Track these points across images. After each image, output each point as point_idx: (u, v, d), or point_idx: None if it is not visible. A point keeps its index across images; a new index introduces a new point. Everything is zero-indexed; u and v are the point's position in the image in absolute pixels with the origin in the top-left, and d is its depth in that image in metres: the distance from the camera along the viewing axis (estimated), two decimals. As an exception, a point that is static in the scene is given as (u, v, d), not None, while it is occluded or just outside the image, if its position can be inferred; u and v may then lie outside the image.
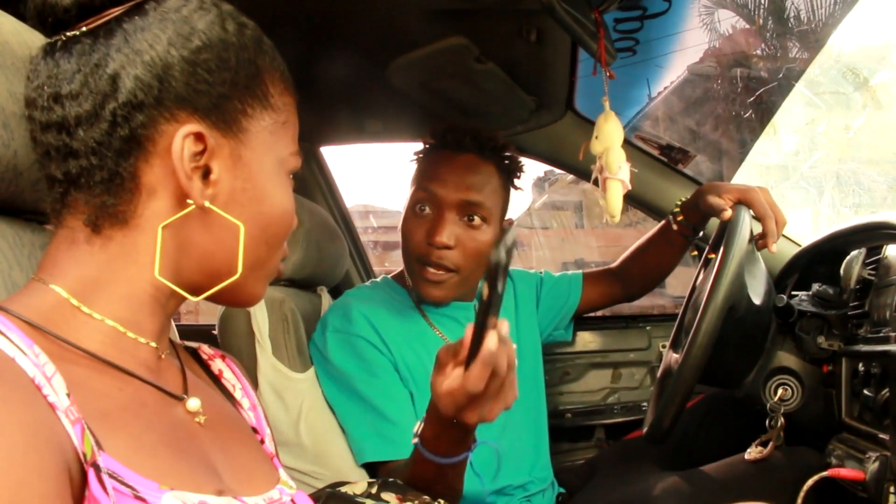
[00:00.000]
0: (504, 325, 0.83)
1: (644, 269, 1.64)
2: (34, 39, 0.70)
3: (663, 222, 1.55)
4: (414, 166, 1.43)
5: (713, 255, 1.36)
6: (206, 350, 0.78)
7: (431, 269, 1.33)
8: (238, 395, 0.76)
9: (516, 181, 1.44)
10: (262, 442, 0.75)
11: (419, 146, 1.45)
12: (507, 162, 1.40)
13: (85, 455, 0.47)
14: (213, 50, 0.59)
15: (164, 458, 0.54)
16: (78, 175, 0.57)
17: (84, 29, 0.58)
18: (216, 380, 0.76)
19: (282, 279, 1.42)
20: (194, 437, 0.61)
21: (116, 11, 0.58)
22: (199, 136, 0.57)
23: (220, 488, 0.57)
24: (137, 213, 0.58)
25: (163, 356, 0.64)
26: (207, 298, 0.63)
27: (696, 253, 1.66)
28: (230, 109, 0.59)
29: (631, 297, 1.71)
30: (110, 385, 0.56)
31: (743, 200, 1.30)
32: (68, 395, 0.48)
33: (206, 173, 0.59)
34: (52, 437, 0.45)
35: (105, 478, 0.47)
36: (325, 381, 1.35)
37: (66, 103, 0.57)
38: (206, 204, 0.58)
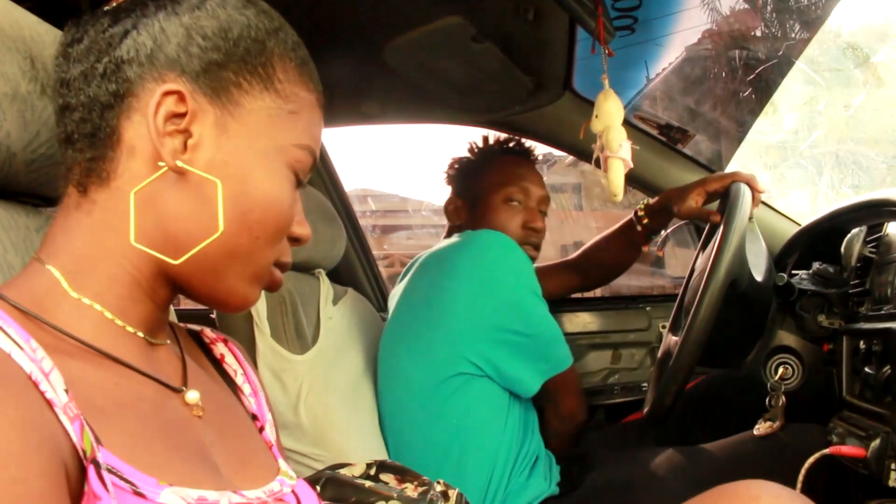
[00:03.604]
0: None
1: (602, 264, 1.77)
2: (26, 19, 0.69)
3: (625, 220, 1.67)
4: (481, 165, 1.67)
5: (661, 253, 1.39)
6: (208, 334, 0.77)
7: (532, 252, 1.59)
8: (239, 380, 0.75)
9: None
10: (262, 430, 0.74)
11: (417, 128, 1.62)
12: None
13: (84, 452, 0.46)
14: (215, 20, 0.59)
15: (162, 454, 0.54)
16: (71, 131, 0.58)
17: (113, 4, 0.60)
18: (218, 364, 0.75)
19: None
20: (192, 431, 0.60)
21: None
22: (181, 97, 0.57)
23: (217, 483, 0.56)
24: (117, 173, 0.58)
25: (160, 344, 0.64)
26: (190, 296, 0.64)
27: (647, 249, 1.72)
28: (221, 78, 0.59)
29: (586, 288, 1.90)
30: (106, 378, 0.55)
31: (709, 186, 1.43)
32: (66, 390, 0.48)
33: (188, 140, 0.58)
34: (48, 436, 0.44)
35: (105, 474, 0.47)
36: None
37: (73, 62, 0.58)
38: (179, 164, 0.57)
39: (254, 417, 0.74)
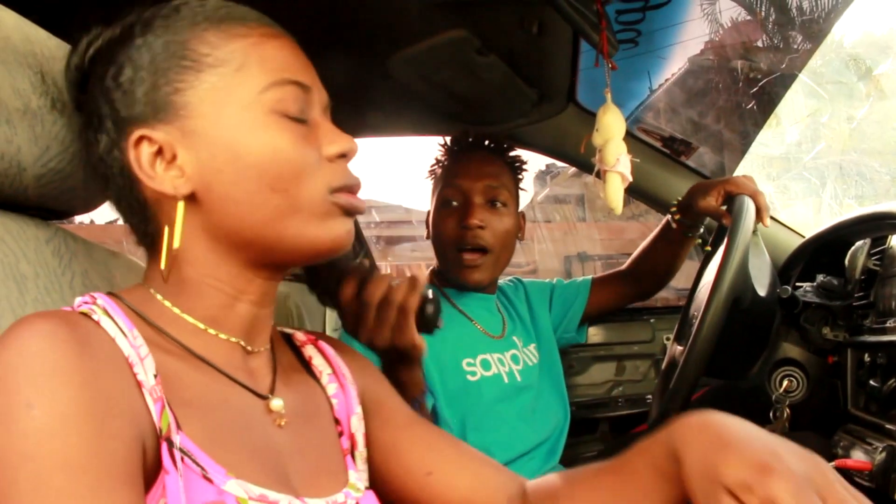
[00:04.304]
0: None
1: (652, 268, 1.71)
2: (37, 35, 0.70)
3: (664, 221, 1.62)
4: (431, 179, 1.61)
5: (708, 248, 1.37)
6: (299, 336, 0.79)
7: (468, 255, 1.48)
8: (325, 380, 0.76)
9: (521, 182, 1.60)
10: (342, 434, 0.74)
11: (422, 140, 1.62)
12: (511, 159, 1.58)
13: (161, 430, 0.52)
14: (128, 62, 0.62)
15: (236, 452, 0.58)
16: (120, 209, 0.66)
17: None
18: (307, 365, 0.77)
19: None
20: (271, 438, 0.63)
21: (73, 77, 0.66)
22: (147, 139, 0.61)
23: (284, 488, 0.59)
24: (161, 224, 0.63)
25: (258, 351, 0.68)
26: (291, 265, 0.68)
27: (699, 242, 1.67)
28: (159, 97, 0.61)
29: (643, 295, 1.78)
30: (197, 380, 0.60)
31: (729, 187, 1.38)
32: (156, 375, 0.55)
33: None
34: (133, 409, 0.51)
35: (176, 453, 0.52)
36: None
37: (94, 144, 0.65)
38: (183, 193, 0.60)
39: (337, 422, 0.75)
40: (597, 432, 1.94)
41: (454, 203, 1.51)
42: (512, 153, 1.58)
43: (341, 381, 0.77)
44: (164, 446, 0.52)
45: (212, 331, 0.63)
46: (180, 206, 0.61)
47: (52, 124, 0.68)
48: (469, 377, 1.43)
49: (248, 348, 0.66)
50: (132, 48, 0.62)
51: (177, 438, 0.53)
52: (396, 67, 1.53)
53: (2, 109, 0.64)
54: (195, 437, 0.55)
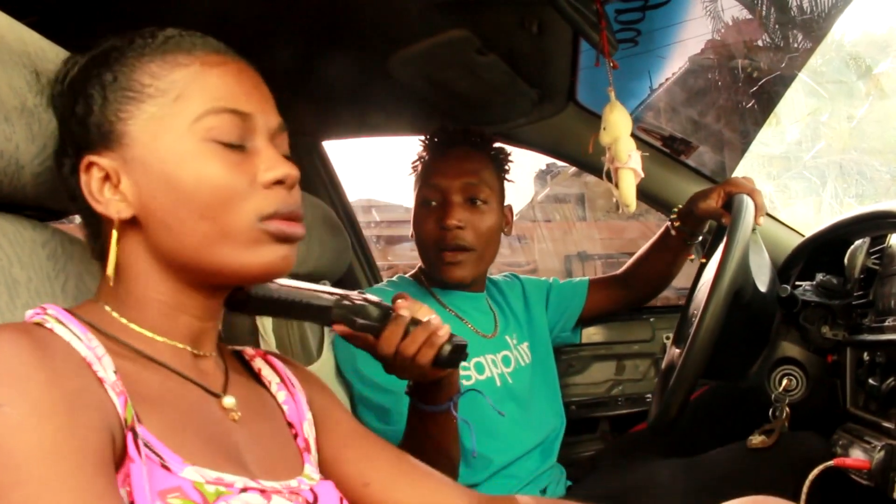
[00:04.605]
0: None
1: (648, 274, 1.72)
2: (30, 36, 0.70)
3: (663, 228, 1.62)
4: (414, 174, 1.56)
5: (703, 260, 1.38)
6: (248, 351, 0.82)
7: (449, 253, 1.44)
8: (274, 389, 0.79)
9: (507, 173, 1.57)
10: (296, 436, 0.77)
11: (422, 139, 1.55)
12: (494, 153, 1.53)
13: (126, 420, 0.55)
14: (75, 93, 0.66)
15: (193, 443, 0.60)
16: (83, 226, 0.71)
17: None
18: (256, 377, 0.80)
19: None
20: (226, 431, 0.66)
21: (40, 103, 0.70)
22: (95, 165, 0.64)
23: (241, 472, 0.61)
24: (110, 240, 0.66)
25: (206, 356, 0.71)
26: (226, 285, 0.71)
27: (692, 257, 1.68)
28: (102, 127, 0.64)
29: (638, 301, 1.80)
30: (152, 378, 0.63)
31: (729, 188, 1.39)
32: (115, 372, 0.57)
33: None
34: (98, 403, 0.54)
35: (140, 443, 0.55)
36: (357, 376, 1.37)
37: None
38: (124, 216, 0.64)
39: (290, 425, 0.77)
40: (596, 431, 1.94)
41: (433, 202, 1.47)
42: (494, 145, 1.54)
43: (290, 389, 0.80)
44: (130, 436, 0.55)
45: (160, 338, 0.66)
46: (114, 233, 0.65)
47: (49, 122, 0.68)
48: (464, 381, 1.41)
49: (196, 352, 0.69)
50: (89, 80, 0.66)
51: (140, 430, 0.56)
52: (397, 67, 1.53)
53: (0, 108, 0.64)
54: (154, 430, 0.58)
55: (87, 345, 0.57)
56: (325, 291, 0.88)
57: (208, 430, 0.64)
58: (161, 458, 0.56)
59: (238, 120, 0.66)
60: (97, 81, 0.65)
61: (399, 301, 0.94)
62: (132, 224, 0.65)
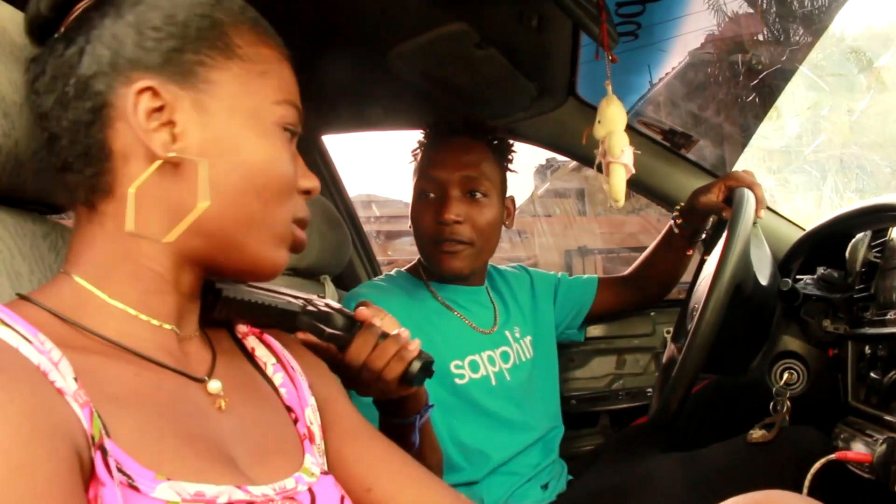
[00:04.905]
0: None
1: (654, 274, 1.71)
2: (32, 28, 0.69)
3: (666, 228, 1.62)
4: (414, 163, 1.52)
5: (707, 257, 1.38)
6: (240, 329, 0.76)
7: (446, 245, 1.41)
8: (270, 370, 0.74)
9: (509, 164, 1.53)
10: (297, 421, 0.71)
11: (421, 134, 1.53)
12: (496, 142, 1.48)
13: (93, 437, 0.48)
14: (159, 10, 0.60)
15: (171, 445, 0.54)
16: (65, 158, 0.60)
17: (62, 30, 0.62)
18: (250, 358, 0.74)
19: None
20: (210, 423, 0.61)
21: (84, 4, 0.61)
22: (153, 92, 0.59)
23: (228, 476, 0.56)
24: (118, 181, 0.59)
25: (191, 336, 0.66)
26: (223, 273, 0.67)
27: (690, 252, 1.68)
28: (184, 61, 0.60)
29: (646, 302, 1.80)
30: (124, 370, 0.57)
31: (730, 182, 1.40)
32: (76, 379, 0.49)
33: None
34: (60, 422, 0.46)
35: (111, 461, 0.48)
36: None
37: (43, 94, 0.60)
38: (171, 155, 0.58)
39: (289, 409, 0.72)
40: (597, 426, 1.94)
41: (431, 194, 1.44)
42: (496, 136, 1.49)
43: (289, 372, 0.75)
44: (98, 456, 0.48)
45: (143, 317, 0.61)
46: (203, 164, 0.59)
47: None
48: (457, 380, 1.39)
49: (179, 332, 0.65)
50: (180, 4, 0.62)
51: (109, 445, 0.49)
52: (396, 61, 1.53)
53: (0, 102, 0.64)
54: (122, 441, 0.51)
55: (38, 348, 0.48)
56: (290, 295, 0.82)
57: (190, 426, 0.58)
58: (129, 476, 0.49)
59: (298, 120, 0.67)
60: (181, 9, 0.61)
61: (362, 309, 0.89)
62: (161, 173, 0.59)
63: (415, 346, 0.89)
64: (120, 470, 0.49)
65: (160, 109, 0.59)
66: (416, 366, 0.88)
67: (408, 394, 0.94)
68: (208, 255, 0.63)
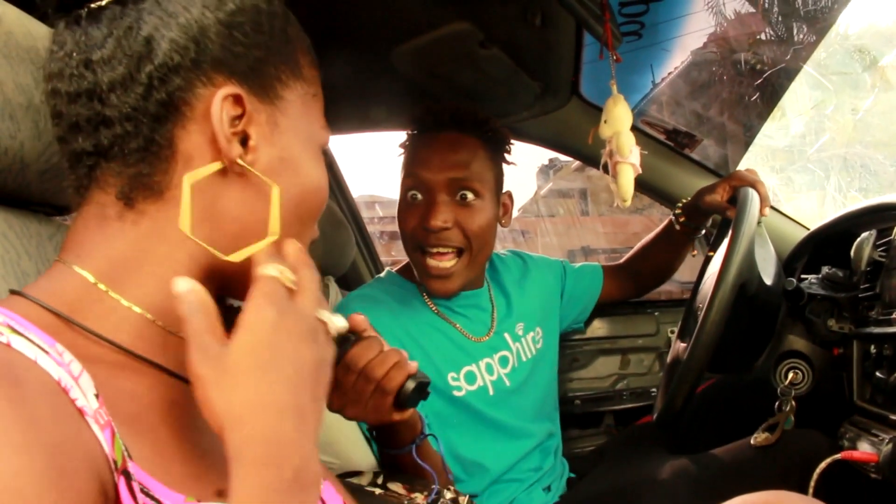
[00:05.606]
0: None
1: (650, 267, 1.70)
2: (38, 30, 0.69)
3: (666, 222, 1.61)
4: (403, 155, 1.40)
5: (712, 253, 1.38)
6: None
7: (432, 261, 1.31)
8: None
9: (507, 155, 1.42)
10: None
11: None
12: (490, 134, 1.36)
13: (115, 462, 0.45)
14: (247, 14, 0.57)
15: (193, 464, 0.53)
16: (111, 145, 0.54)
17: None
18: None
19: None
20: None
21: None
22: (237, 100, 0.55)
23: None
24: (173, 184, 0.55)
25: None
26: (236, 294, 0.61)
27: (695, 252, 1.68)
28: (266, 75, 0.58)
29: (637, 293, 1.78)
30: (139, 383, 0.53)
31: (734, 182, 1.39)
32: (97, 395, 0.46)
33: (243, 141, 0.56)
34: (84, 453, 0.43)
35: (135, 486, 0.46)
36: None
37: (98, 69, 0.53)
38: (239, 161, 0.55)
39: None
40: (601, 426, 1.94)
41: (417, 195, 1.31)
42: (490, 127, 1.36)
43: None
44: (122, 482, 0.45)
45: (160, 323, 0.55)
46: (276, 191, 0.56)
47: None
48: (455, 392, 1.34)
49: None
50: (276, 16, 0.60)
51: (132, 468, 0.47)
52: (399, 61, 1.53)
53: (5, 105, 0.64)
54: (146, 463, 0.48)
55: (56, 360, 0.44)
56: None
57: (207, 439, 0.55)
58: (158, 501, 0.47)
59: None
60: (277, 20, 0.59)
61: (361, 318, 0.86)
62: (220, 179, 0.56)
63: (414, 365, 0.87)
64: (146, 493, 0.46)
65: (238, 118, 0.56)
66: (411, 385, 0.86)
67: (401, 419, 0.91)
68: (236, 272, 0.57)
